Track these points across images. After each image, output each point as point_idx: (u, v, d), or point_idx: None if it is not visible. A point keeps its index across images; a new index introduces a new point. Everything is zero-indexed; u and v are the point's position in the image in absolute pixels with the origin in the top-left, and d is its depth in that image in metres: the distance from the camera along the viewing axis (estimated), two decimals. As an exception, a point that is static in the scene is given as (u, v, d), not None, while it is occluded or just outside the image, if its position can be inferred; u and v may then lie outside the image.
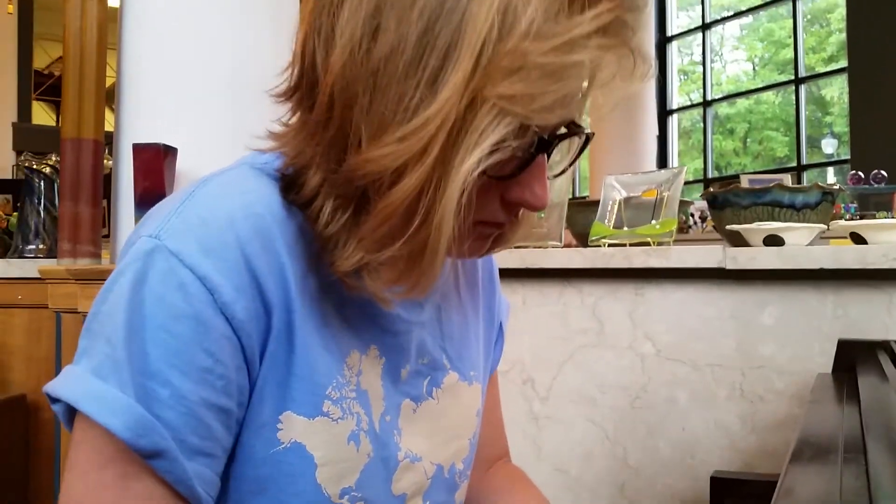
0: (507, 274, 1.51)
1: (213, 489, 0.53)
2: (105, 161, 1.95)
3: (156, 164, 1.63)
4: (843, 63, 6.94)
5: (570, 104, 0.51)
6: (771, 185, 1.45)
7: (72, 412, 0.51)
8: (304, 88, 0.54)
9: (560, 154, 0.58)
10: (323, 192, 0.54)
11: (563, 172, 0.60)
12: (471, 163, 0.48)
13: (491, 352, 0.79)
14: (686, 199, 1.58)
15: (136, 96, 1.62)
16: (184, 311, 0.50)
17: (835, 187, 1.48)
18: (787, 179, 4.48)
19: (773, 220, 1.45)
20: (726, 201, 1.50)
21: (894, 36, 5.78)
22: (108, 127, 1.74)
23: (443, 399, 0.68)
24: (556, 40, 0.47)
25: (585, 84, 0.51)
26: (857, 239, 1.27)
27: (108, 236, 1.80)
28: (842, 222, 1.34)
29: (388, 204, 0.50)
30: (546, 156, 0.54)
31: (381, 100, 0.49)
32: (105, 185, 1.81)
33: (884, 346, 1.06)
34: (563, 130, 0.54)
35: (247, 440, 0.55)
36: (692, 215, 4.33)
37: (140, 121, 1.64)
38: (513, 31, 0.47)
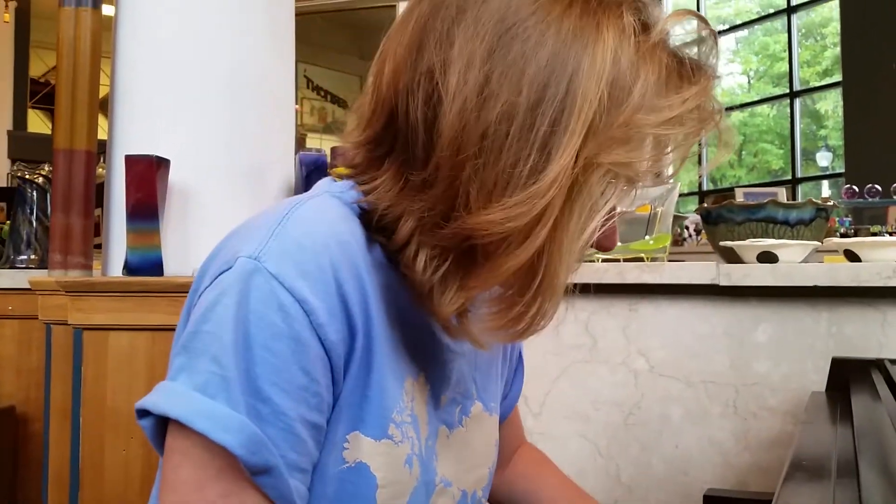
0: (501, 288, 1.50)
1: (304, 500, 0.54)
2: (99, 170, 1.94)
3: (148, 176, 1.62)
4: (838, 77, 6.98)
5: (667, 170, 0.57)
6: (765, 201, 1.44)
7: (162, 429, 0.53)
8: (398, 144, 0.56)
9: None
10: (415, 240, 0.56)
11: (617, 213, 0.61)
12: (592, 227, 0.52)
13: (504, 379, 0.81)
14: (680, 212, 1.58)
15: (130, 105, 1.62)
16: (284, 331, 0.51)
17: (829, 203, 1.48)
18: (782, 193, 4.50)
19: (767, 235, 1.44)
20: (720, 217, 1.50)
21: (888, 50, 5.82)
22: (103, 135, 1.73)
23: (470, 427, 0.70)
24: (666, 114, 0.51)
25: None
26: (852, 256, 1.26)
27: (100, 246, 1.79)
28: (836, 239, 1.33)
29: (511, 265, 0.52)
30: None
31: (493, 164, 0.51)
32: (98, 195, 1.80)
33: (878, 364, 1.05)
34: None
35: (324, 459, 0.57)
36: (686, 228, 4.34)
37: (133, 130, 1.63)
38: (624, 103, 0.51)
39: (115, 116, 1.65)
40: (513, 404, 0.84)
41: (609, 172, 0.51)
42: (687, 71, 0.54)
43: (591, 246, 0.57)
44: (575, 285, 1.45)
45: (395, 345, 0.60)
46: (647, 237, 1.40)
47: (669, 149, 0.55)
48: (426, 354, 0.64)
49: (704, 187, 8.64)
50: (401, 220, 0.56)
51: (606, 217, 0.53)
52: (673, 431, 1.37)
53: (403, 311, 0.60)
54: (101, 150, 1.81)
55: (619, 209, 0.55)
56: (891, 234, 3.84)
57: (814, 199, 1.47)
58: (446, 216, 0.53)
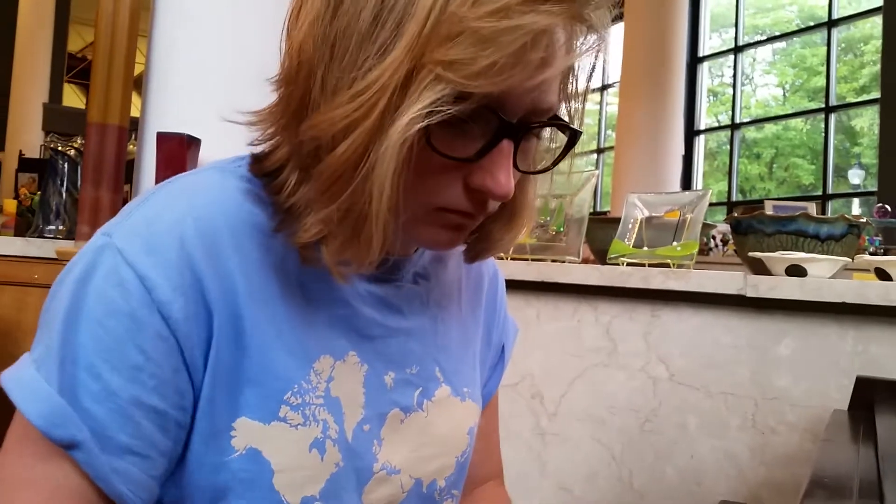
0: (523, 287, 1.49)
1: (143, 491, 0.52)
2: (130, 146, 1.96)
3: (179, 154, 1.63)
4: (875, 94, 6.86)
5: (509, 74, 0.49)
6: (797, 213, 1.42)
7: None
8: (282, 75, 0.56)
9: (550, 152, 0.58)
10: (289, 166, 0.55)
11: (546, 169, 0.59)
12: (404, 120, 0.49)
13: (486, 373, 0.77)
14: (708, 221, 1.56)
15: (164, 84, 1.63)
16: (120, 307, 0.51)
17: (861, 220, 1.45)
18: (812, 208, 4.43)
19: (797, 249, 1.42)
20: (750, 227, 1.48)
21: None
22: (136, 112, 1.74)
23: (432, 412, 0.66)
24: (492, 6, 0.47)
25: (536, 55, 0.50)
26: (882, 275, 1.24)
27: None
28: (867, 257, 1.31)
29: (332, 162, 0.50)
30: (513, 144, 0.53)
31: (336, 68, 0.51)
32: (128, 171, 1.82)
33: (901, 386, 1.03)
34: (537, 121, 0.54)
35: (197, 448, 0.54)
36: (714, 238, 4.29)
37: (166, 109, 1.64)
38: None
39: (148, 94, 1.66)
40: (489, 395, 0.79)
41: (431, 72, 0.48)
42: None
43: (480, 188, 0.53)
44: (599, 288, 1.43)
45: (291, 323, 0.57)
46: (674, 243, 1.39)
47: (501, 46, 0.49)
48: (350, 331, 0.61)
49: (734, 198, 8.54)
50: (277, 149, 0.56)
51: (431, 113, 0.49)
52: (689, 441, 1.35)
53: (305, 288, 0.58)
54: (134, 127, 1.82)
55: (446, 110, 0.49)
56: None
57: (846, 216, 1.44)
58: (300, 126, 0.53)
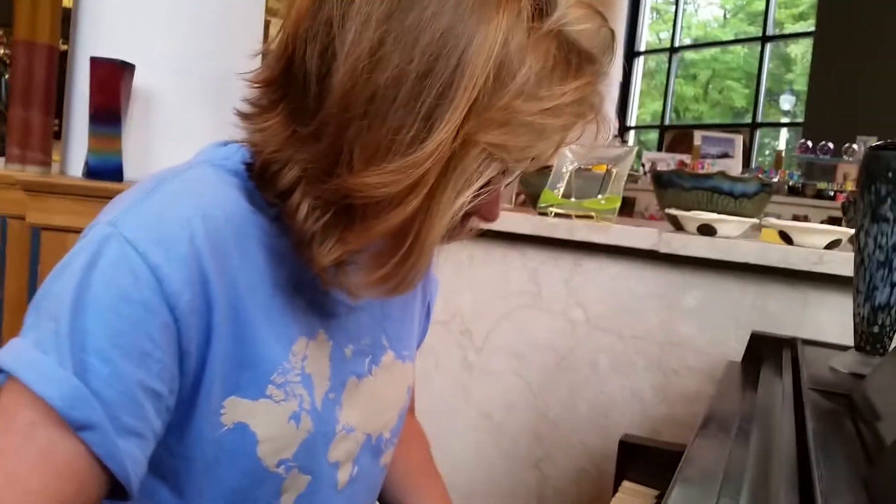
0: (456, 230, 1.56)
1: (140, 470, 0.55)
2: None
3: (112, 80, 1.60)
4: (812, 22, 6.99)
5: (543, 155, 0.57)
6: (714, 172, 1.51)
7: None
8: (291, 90, 0.57)
9: None
10: (300, 190, 0.57)
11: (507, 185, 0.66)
12: (462, 201, 0.54)
13: (419, 329, 0.85)
14: (641, 141, 1.62)
15: (96, 8, 1.57)
16: (132, 295, 0.52)
17: (773, 180, 1.55)
18: (739, 140, 4.59)
19: (712, 204, 1.52)
20: (670, 182, 1.57)
21: (863, 5, 5.83)
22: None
23: (380, 376, 0.73)
24: (545, 104, 0.53)
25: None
26: (785, 238, 1.35)
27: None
28: (773, 220, 1.42)
29: (383, 227, 0.54)
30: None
31: (377, 127, 0.52)
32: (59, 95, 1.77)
33: (790, 342, 1.15)
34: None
35: (197, 424, 0.59)
36: (643, 165, 4.41)
37: (98, 33, 1.59)
38: (507, 86, 0.52)
39: (79, 18, 1.61)
40: (418, 347, 0.87)
41: (485, 151, 0.53)
42: (574, 64, 0.55)
43: (481, 219, 0.62)
44: (528, 237, 1.50)
45: (280, 312, 0.62)
46: (599, 196, 1.47)
47: (545, 137, 0.56)
48: (323, 313, 0.66)
49: (667, 120, 8.70)
50: (286, 167, 0.57)
51: (478, 192, 0.55)
52: (599, 379, 1.48)
53: (292, 275, 0.62)
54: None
55: (492, 186, 0.57)
56: (837, 191, 3.98)
57: (759, 176, 1.54)
58: (329, 172, 0.55)
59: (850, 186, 4.07)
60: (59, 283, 0.54)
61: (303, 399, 0.65)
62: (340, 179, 0.54)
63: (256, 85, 0.60)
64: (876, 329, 0.94)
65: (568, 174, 1.54)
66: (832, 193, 3.92)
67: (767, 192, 1.57)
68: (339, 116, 0.53)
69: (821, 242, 1.29)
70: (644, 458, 1.26)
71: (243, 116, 0.61)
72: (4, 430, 0.52)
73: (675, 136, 5.40)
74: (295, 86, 0.56)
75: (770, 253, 1.28)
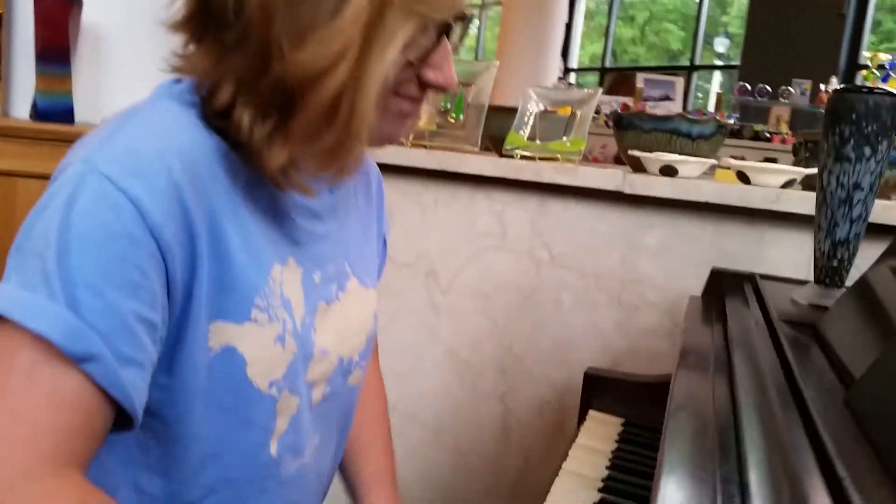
0: (424, 174, 1.56)
1: (143, 399, 0.57)
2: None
3: (60, 16, 1.53)
4: (748, -34, 7.06)
5: (457, 3, 0.62)
6: (673, 114, 1.55)
7: None
8: (210, 12, 0.60)
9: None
10: (240, 102, 0.60)
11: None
12: (387, 61, 0.58)
13: (377, 261, 0.89)
14: (579, 84, 1.65)
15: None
16: (117, 229, 0.54)
17: (729, 121, 1.60)
18: (680, 82, 4.68)
19: (671, 145, 1.56)
20: (631, 124, 1.60)
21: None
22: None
23: (346, 301, 0.77)
24: None
25: None
26: (743, 178, 1.41)
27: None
28: (731, 160, 1.47)
29: (317, 101, 0.58)
30: (448, 41, 0.64)
31: (297, 11, 0.56)
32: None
33: (749, 278, 1.22)
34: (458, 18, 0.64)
35: (187, 352, 0.61)
36: (599, 107, 4.46)
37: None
38: None
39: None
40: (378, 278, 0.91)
41: (400, 8, 0.58)
42: None
43: (434, 84, 0.65)
44: (494, 179, 1.53)
45: (257, 238, 0.65)
46: (564, 139, 1.49)
47: None
48: (288, 240, 0.69)
49: (608, 63, 8.75)
50: (222, 84, 0.60)
51: (420, 57, 0.61)
52: (563, 315, 1.53)
53: (260, 203, 0.65)
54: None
55: (423, 44, 0.61)
56: (773, 133, 4.12)
57: (716, 118, 1.59)
58: (262, 70, 0.58)
59: (785, 128, 4.22)
60: (41, 224, 0.54)
61: (286, 322, 0.67)
62: (273, 72, 0.58)
63: (177, 25, 0.63)
64: (835, 263, 1.00)
65: (532, 117, 1.56)
66: (768, 135, 4.06)
67: (723, 133, 1.62)
68: (262, 13, 0.57)
69: (777, 182, 1.35)
70: (607, 389, 1.32)
71: (174, 55, 0.64)
72: (4, 372, 0.52)
73: (616, 78, 5.46)
74: (211, 7, 0.59)
75: (730, 192, 1.34)
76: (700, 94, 8.24)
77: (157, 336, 0.58)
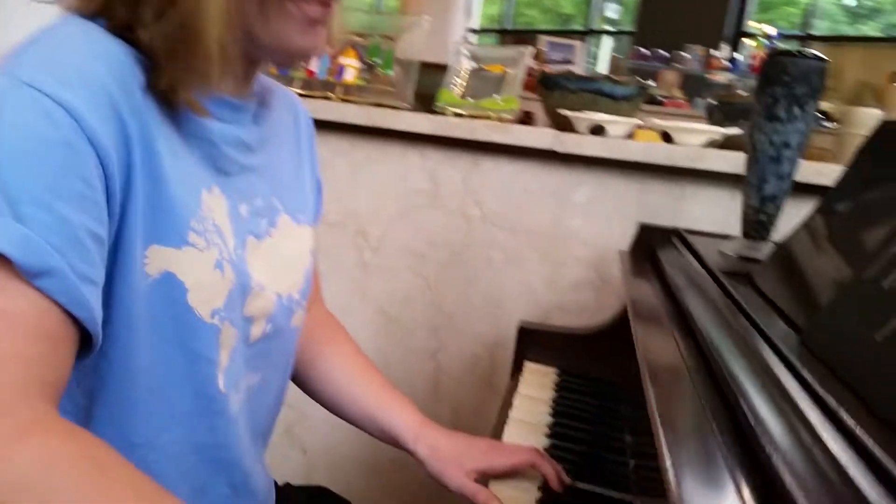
0: (354, 130, 1.54)
1: (100, 320, 0.54)
2: None
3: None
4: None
5: None
6: (599, 76, 1.60)
7: None
8: None
9: None
10: (136, 27, 0.59)
11: None
12: None
13: (313, 199, 0.88)
14: (477, 44, 1.66)
15: None
16: (53, 138, 0.51)
17: (649, 83, 1.66)
18: (581, 46, 4.78)
19: (595, 105, 1.61)
20: (557, 84, 1.63)
21: None
22: None
23: (278, 237, 0.76)
24: None
25: None
26: (666, 137, 1.47)
27: None
28: (656, 120, 1.53)
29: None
30: None
31: None
32: None
33: (675, 232, 1.28)
34: None
35: (124, 276, 0.58)
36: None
37: None
38: None
39: None
40: (316, 217, 0.90)
41: None
42: None
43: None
44: (427, 136, 1.53)
45: (182, 156, 0.62)
46: (496, 96, 1.51)
47: None
48: (216, 169, 0.67)
49: (507, 25, 8.80)
50: (110, 11, 0.59)
51: None
52: (494, 272, 1.56)
53: (182, 126, 0.63)
54: None
55: None
56: (664, 97, 4.29)
57: (638, 79, 1.65)
58: None
59: (677, 93, 4.42)
60: None
61: (221, 249, 0.65)
62: None
63: None
64: (763, 217, 1.07)
65: (464, 74, 1.56)
66: (661, 99, 4.24)
67: (642, 95, 1.68)
68: None
69: (698, 141, 1.42)
70: (541, 342, 1.37)
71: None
72: None
73: (516, 41, 5.52)
74: None
75: (656, 151, 1.40)
76: (590, 59, 8.46)
77: (104, 251, 0.55)
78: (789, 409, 0.49)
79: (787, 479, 0.40)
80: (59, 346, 0.51)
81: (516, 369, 1.34)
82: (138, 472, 0.50)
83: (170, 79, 0.59)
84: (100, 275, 0.54)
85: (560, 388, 1.23)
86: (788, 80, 0.99)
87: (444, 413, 1.64)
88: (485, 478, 0.87)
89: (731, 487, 0.45)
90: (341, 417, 0.96)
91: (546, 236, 1.53)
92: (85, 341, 0.54)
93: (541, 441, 1.03)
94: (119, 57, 0.58)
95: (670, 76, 4.74)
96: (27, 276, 0.48)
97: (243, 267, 0.68)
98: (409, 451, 0.89)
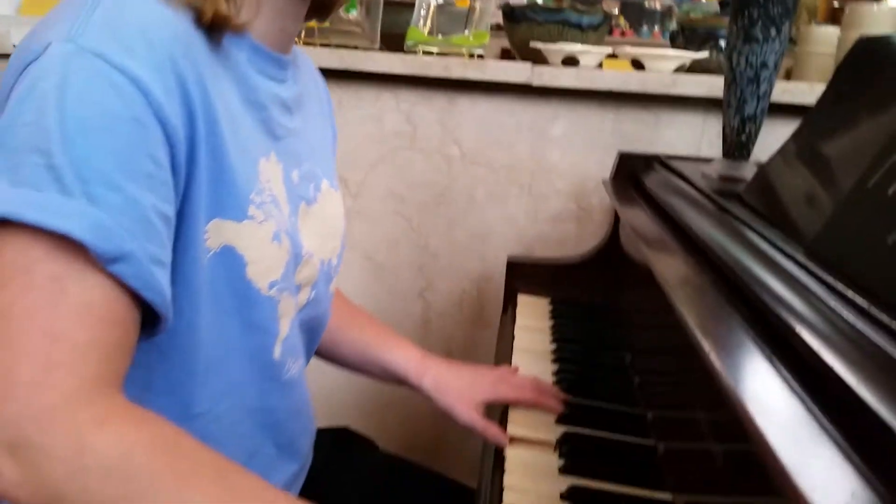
0: (325, 75, 1.52)
1: (170, 297, 0.54)
2: None
3: None
4: None
5: None
6: (564, 6, 1.60)
7: None
8: None
9: None
10: None
11: None
12: None
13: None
14: None
15: None
16: (121, 113, 0.49)
17: (614, 12, 1.67)
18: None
19: (562, 36, 1.62)
20: (524, 16, 1.63)
21: None
22: None
23: (322, 202, 0.76)
24: None
25: None
26: (637, 65, 1.49)
27: None
28: (627, 48, 1.55)
29: None
30: None
31: None
32: None
33: (655, 158, 1.32)
34: None
35: (191, 254, 0.57)
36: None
37: None
38: None
39: None
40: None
41: None
42: None
43: None
44: (401, 77, 1.52)
45: (240, 125, 0.61)
46: (466, 32, 1.50)
47: None
48: (269, 133, 0.67)
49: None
50: None
51: None
52: (477, 209, 1.58)
53: (244, 90, 0.63)
54: None
55: None
56: (614, 27, 4.28)
57: (603, 8, 1.66)
58: None
59: (623, 22, 4.43)
60: (28, 115, 0.48)
61: (279, 220, 0.65)
62: None
63: None
64: (743, 138, 1.11)
65: (430, 11, 1.55)
66: (610, 29, 4.22)
67: (607, 23, 1.69)
68: None
69: (670, 67, 1.45)
70: (530, 274, 1.41)
71: None
72: (25, 289, 0.47)
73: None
74: None
75: (630, 80, 1.42)
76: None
77: (171, 230, 0.54)
78: (807, 295, 0.53)
79: (813, 343, 0.44)
80: (129, 330, 0.51)
81: (508, 303, 1.38)
82: (212, 451, 0.51)
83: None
84: (168, 255, 0.53)
85: (555, 316, 1.28)
86: (764, 0, 1.02)
87: (437, 351, 1.66)
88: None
89: (765, 363, 0.49)
90: (343, 366, 0.97)
91: (526, 171, 1.55)
92: (149, 320, 0.53)
93: (548, 367, 1.07)
94: (176, 16, 0.55)
95: (608, 6, 4.71)
96: (101, 261, 0.48)
97: (297, 236, 0.68)
98: (415, 388, 0.92)
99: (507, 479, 0.75)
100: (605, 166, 1.41)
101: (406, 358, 0.92)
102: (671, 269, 0.79)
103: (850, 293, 0.53)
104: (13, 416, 0.44)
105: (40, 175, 0.47)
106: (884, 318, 0.47)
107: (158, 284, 0.51)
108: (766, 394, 0.44)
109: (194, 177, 0.55)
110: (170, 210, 0.53)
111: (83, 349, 0.47)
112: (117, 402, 0.49)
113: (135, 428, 0.48)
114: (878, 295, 0.53)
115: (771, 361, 0.49)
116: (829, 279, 0.57)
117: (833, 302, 0.52)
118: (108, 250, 0.47)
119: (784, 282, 0.59)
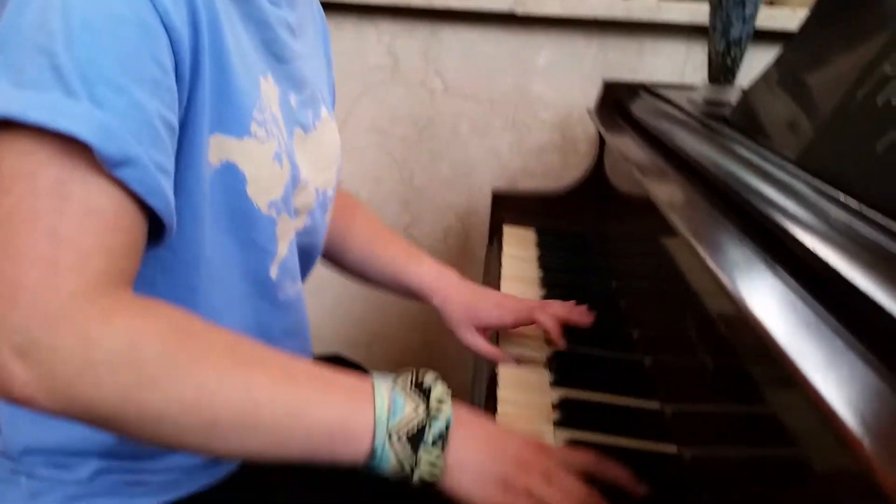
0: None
1: (174, 206, 0.53)
2: None
3: None
4: None
5: None
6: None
7: None
8: None
9: None
10: None
11: None
12: None
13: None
14: None
15: None
16: (127, 15, 0.48)
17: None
18: None
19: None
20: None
21: None
22: None
23: (320, 130, 0.75)
24: None
25: None
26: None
27: None
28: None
29: None
30: None
31: None
32: None
33: (641, 86, 1.31)
34: None
35: (193, 168, 0.57)
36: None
37: None
38: None
39: None
40: None
41: None
42: None
43: None
44: (381, 8, 1.48)
45: (245, 43, 0.60)
46: (449, -39, 1.47)
47: None
48: (269, 54, 0.66)
49: None
50: None
51: None
52: (461, 142, 1.58)
53: (245, 8, 0.62)
54: None
55: None
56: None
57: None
58: None
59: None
60: (31, 14, 0.47)
61: (279, 140, 0.65)
62: None
63: None
64: (729, 62, 1.12)
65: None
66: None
67: (590, -49, 1.66)
68: None
69: (655, -6, 1.43)
70: (515, 206, 1.42)
71: None
72: (29, 194, 0.46)
73: None
74: None
75: (615, 7, 1.41)
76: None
77: (175, 142, 0.53)
78: (800, 199, 0.54)
79: (808, 241, 0.45)
80: (135, 235, 0.50)
81: (494, 235, 1.39)
82: (223, 329, 0.52)
83: None
84: (172, 165, 0.52)
85: (541, 245, 1.29)
86: (753, -80, 1.01)
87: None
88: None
89: (760, 262, 0.50)
90: (368, 283, 0.98)
91: (510, 102, 1.54)
92: (152, 230, 0.53)
93: (537, 292, 1.09)
94: None
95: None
96: (106, 165, 0.47)
97: (294, 160, 0.67)
98: (431, 305, 0.93)
99: (501, 393, 0.77)
100: (589, 96, 1.41)
101: (422, 276, 0.92)
102: (665, 190, 0.80)
103: (842, 196, 0.54)
104: (21, 320, 0.44)
105: (44, 76, 0.46)
106: (877, 216, 0.48)
107: (163, 191, 0.50)
108: (763, 287, 0.46)
109: (198, 87, 0.55)
110: (174, 119, 0.52)
111: (89, 251, 0.47)
112: (124, 297, 0.49)
113: (141, 318, 0.48)
114: (869, 199, 0.54)
115: (766, 261, 0.50)
116: (821, 185, 0.58)
117: (825, 204, 0.53)
118: (114, 153, 0.47)
119: (777, 188, 0.60)
